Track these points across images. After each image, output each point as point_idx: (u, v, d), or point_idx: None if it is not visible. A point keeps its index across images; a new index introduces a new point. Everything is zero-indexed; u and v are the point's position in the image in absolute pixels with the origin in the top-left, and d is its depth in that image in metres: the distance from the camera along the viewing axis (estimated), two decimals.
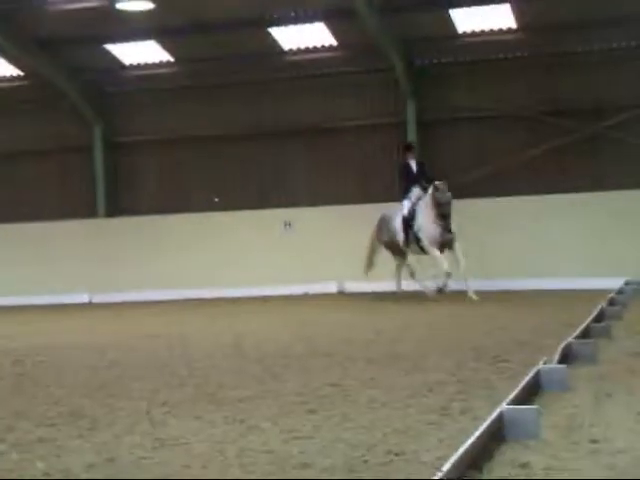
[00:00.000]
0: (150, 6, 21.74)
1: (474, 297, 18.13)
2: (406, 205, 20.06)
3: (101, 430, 6.61)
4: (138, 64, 26.69)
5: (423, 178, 19.95)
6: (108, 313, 20.92)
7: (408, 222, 19.51)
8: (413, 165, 20.13)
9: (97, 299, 25.35)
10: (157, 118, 27.34)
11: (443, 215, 18.58)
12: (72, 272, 25.70)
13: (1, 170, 28.38)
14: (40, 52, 25.75)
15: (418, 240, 19.44)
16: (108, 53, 26.17)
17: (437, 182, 18.76)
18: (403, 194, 20.49)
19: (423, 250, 19.54)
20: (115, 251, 25.80)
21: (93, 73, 27.13)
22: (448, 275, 18.42)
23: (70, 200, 27.75)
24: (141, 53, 26.23)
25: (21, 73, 27.22)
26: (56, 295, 25.13)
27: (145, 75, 26.97)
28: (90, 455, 5.77)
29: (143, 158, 27.65)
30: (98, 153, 27.60)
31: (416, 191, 19.88)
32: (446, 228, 18.73)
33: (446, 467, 4.57)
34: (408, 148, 20.87)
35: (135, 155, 27.74)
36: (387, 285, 22.40)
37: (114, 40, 25.44)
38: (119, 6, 21.84)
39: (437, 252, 18.97)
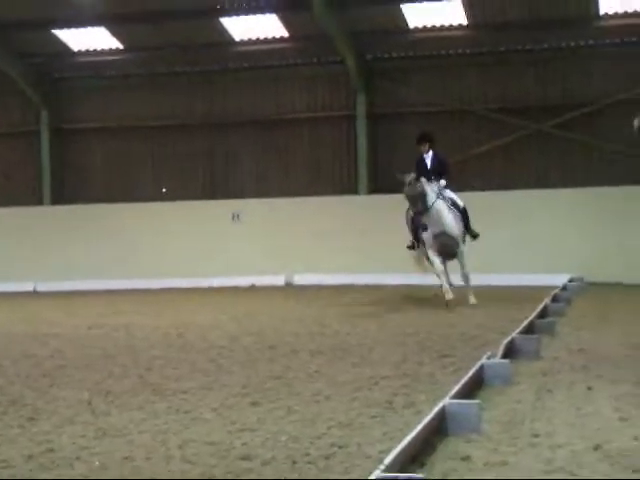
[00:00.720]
0: None
1: (472, 301, 16.21)
2: None
3: (42, 420, 6.60)
4: (87, 50, 26.49)
5: (437, 174, 16.99)
6: (53, 302, 20.75)
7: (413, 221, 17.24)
8: (428, 159, 17.21)
9: (42, 287, 25.12)
10: (105, 106, 27.18)
11: (414, 211, 16.44)
12: (16, 260, 25.45)
13: None
14: None
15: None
16: (57, 38, 25.96)
17: (406, 175, 16.53)
18: None
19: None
20: (61, 239, 25.56)
21: (41, 58, 26.89)
22: (441, 278, 16.33)
23: (15, 186, 27.52)
24: (90, 39, 26.04)
25: None
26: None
27: (94, 62, 26.78)
28: (30, 445, 5.76)
29: (90, 145, 27.46)
30: (45, 139, 27.37)
31: None
32: (424, 227, 16.32)
33: (388, 460, 4.61)
34: (420, 140, 17.73)
35: (82, 142, 27.54)
36: (333, 278, 22.50)
37: (63, 25, 25.22)
38: None
39: (431, 254, 16.62)
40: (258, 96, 25.96)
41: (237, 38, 25.17)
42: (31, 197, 27.32)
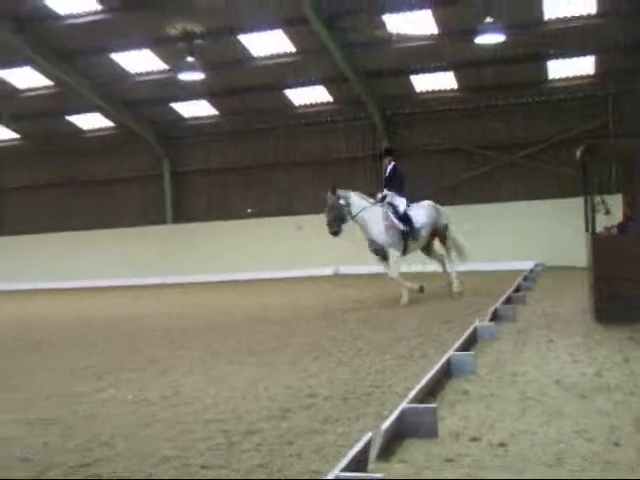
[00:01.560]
0: (202, 76, 21.75)
1: (403, 301, 12.58)
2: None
3: (170, 372, 6.63)
4: (194, 116, 26.74)
5: (392, 182, 13.66)
6: (175, 291, 20.92)
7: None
8: (387, 169, 13.92)
9: (167, 281, 25.31)
10: (206, 154, 27.40)
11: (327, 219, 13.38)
12: (148, 263, 25.76)
13: (104, 190, 28.45)
14: (126, 109, 25.81)
15: None
16: (173, 109, 26.22)
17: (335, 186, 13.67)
18: None
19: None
20: (179, 247, 25.82)
21: (163, 124, 27.16)
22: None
23: (147, 212, 27.84)
24: (195, 109, 26.30)
25: (113, 124, 27.28)
26: (138, 279, 25.17)
27: (198, 124, 26.99)
28: (164, 389, 5.80)
29: (197, 182, 27.68)
30: (167, 179, 27.64)
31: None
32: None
33: (412, 394, 4.59)
34: (385, 154, 14.87)
35: (192, 180, 27.76)
36: (368, 269, 22.49)
37: (177, 100, 25.49)
38: (180, 76, 21.84)
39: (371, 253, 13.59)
40: (312, 144, 26.00)
41: (296, 104, 25.27)
42: (158, 218, 27.59)
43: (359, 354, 7.15)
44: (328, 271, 23.88)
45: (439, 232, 13.52)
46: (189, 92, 24.26)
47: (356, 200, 13.21)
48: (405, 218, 13.08)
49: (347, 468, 3.28)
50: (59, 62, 22.43)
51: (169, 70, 22.81)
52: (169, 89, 23.98)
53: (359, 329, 9.15)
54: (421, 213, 13.30)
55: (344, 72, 21.92)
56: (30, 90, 24.77)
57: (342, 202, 13.18)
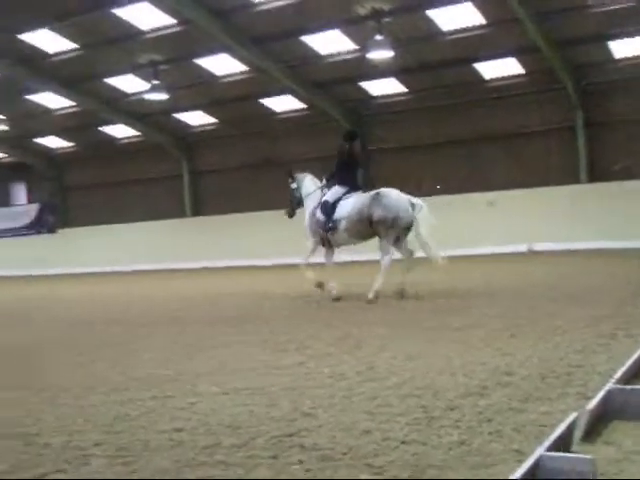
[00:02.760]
0: (391, 54, 21.77)
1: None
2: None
3: (364, 348, 6.69)
4: (383, 94, 26.83)
5: (343, 168, 12.03)
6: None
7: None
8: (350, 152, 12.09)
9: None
10: (396, 132, 27.41)
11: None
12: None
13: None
14: (318, 90, 26.32)
15: None
16: (362, 88, 26.44)
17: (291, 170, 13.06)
18: None
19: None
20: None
21: (352, 103, 27.47)
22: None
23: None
24: (384, 87, 26.38)
25: (305, 106, 27.90)
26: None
27: (387, 102, 27.07)
28: (357, 364, 5.86)
29: (387, 159, 27.77)
30: None
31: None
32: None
33: (618, 375, 4.38)
34: (350, 136, 12.35)
35: (382, 158, 27.88)
36: (560, 245, 21.75)
37: (366, 79, 25.68)
38: (369, 55, 21.98)
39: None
40: (503, 118, 25.37)
41: (487, 77, 24.71)
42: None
43: (557, 332, 6.89)
44: (521, 248, 23.26)
45: (382, 225, 11.10)
46: (378, 70, 24.37)
47: (307, 184, 12.35)
48: (330, 208, 11.57)
49: (551, 448, 3.17)
50: (253, 47, 23.24)
51: (358, 49, 23.01)
52: (358, 68, 24.23)
53: (555, 307, 8.82)
54: (349, 203, 11.49)
55: (536, 42, 21.18)
56: (227, 76, 25.87)
57: (294, 185, 12.47)
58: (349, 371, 5.58)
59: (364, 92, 26.70)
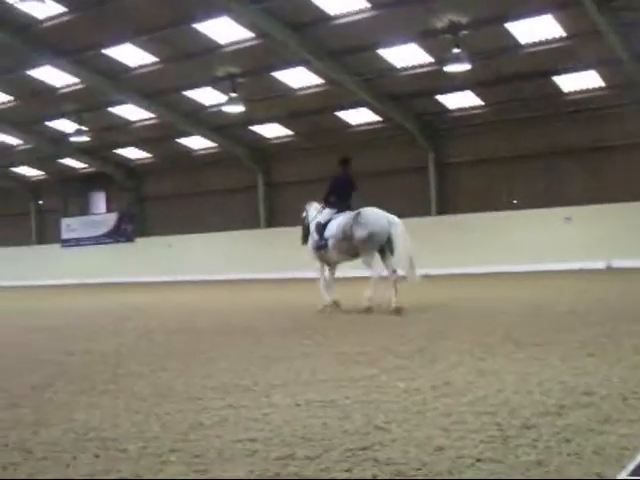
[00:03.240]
0: (468, 67, 21.60)
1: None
2: None
3: (439, 363, 6.62)
4: (459, 108, 26.65)
5: (338, 193, 12.98)
6: (441, 282, 20.92)
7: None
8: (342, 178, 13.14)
9: (430, 272, 25.43)
10: (471, 145, 27.19)
11: None
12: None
13: (369, 184, 29.28)
14: (393, 103, 26.29)
15: None
16: (438, 101, 26.30)
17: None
18: None
19: None
20: (445, 239, 25.84)
21: (428, 116, 27.35)
22: None
23: (412, 204, 28.20)
24: (461, 100, 26.18)
25: (380, 119, 27.91)
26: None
27: (463, 115, 26.87)
28: (433, 379, 5.80)
29: (462, 173, 27.58)
30: (432, 171, 27.82)
31: None
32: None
33: None
34: (344, 162, 13.30)
35: (456, 171, 27.71)
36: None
37: (442, 92, 25.53)
38: (446, 68, 21.86)
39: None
40: (579, 131, 24.90)
41: (565, 90, 24.29)
42: (422, 210, 27.83)
43: (637, 352, 6.70)
44: (600, 264, 22.73)
45: (361, 242, 11.87)
46: (454, 83, 24.21)
47: (311, 212, 13.31)
48: (322, 228, 12.56)
49: (634, 472, 3.08)
50: (330, 61, 23.37)
51: (434, 62, 22.92)
52: (434, 81, 24.12)
53: (634, 326, 8.57)
54: (336, 223, 12.36)
55: (619, 54, 20.71)
56: (303, 89, 26.08)
57: (304, 214, 13.57)
58: (424, 386, 5.52)
59: (440, 105, 26.56)
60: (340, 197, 12.81)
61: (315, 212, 13.22)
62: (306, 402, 5.09)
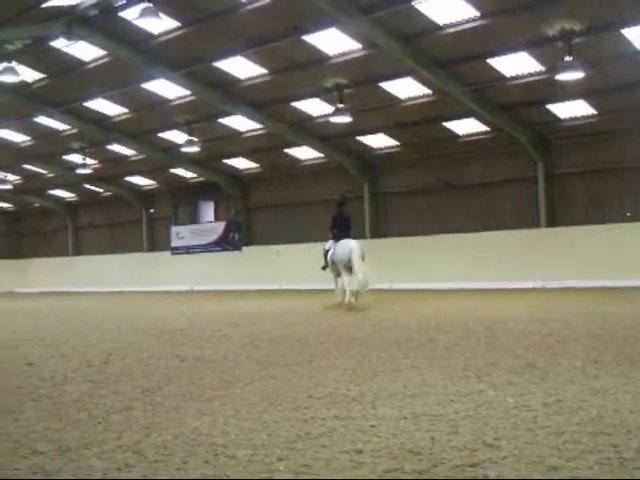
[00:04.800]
0: (581, 75, 21.02)
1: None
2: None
3: (550, 379, 6.45)
4: (570, 117, 26.01)
5: (341, 227, 18.02)
6: (552, 296, 20.43)
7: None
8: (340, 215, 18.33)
9: (544, 285, 24.86)
10: (582, 155, 26.46)
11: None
12: (523, 265, 25.45)
13: (478, 194, 28.92)
14: (502, 113, 25.89)
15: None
16: (548, 111, 25.73)
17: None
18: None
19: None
20: (553, 251, 25.17)
21: (537, 126, 26.80)
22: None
23: (521, 215, 27.67)
24: (572, 109, 25.55)
25: (488, 129, 27.54)
26: (507, 282, 25.02)
27: (574, 125, 26.20)
28: (544, 396, 5.64)
29: (573, 184, 26.87)
30: (541, 182, 27.21)
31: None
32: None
33: None
34: (341, 203, 18.71)
35: (566, 183, 27.02)
36: None
37: (553, 101, 24.96)
38: (558, 77, 21.35)
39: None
40: None
41: None
42: (531, 221, 27.27)
43: None
44: None
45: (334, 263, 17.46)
46: (566, 92, 23.63)
47: (327, 244, 18.17)
48: (326, 253, 17.92)
49: None
50: (438, 70, 23.22)
51: (545, 71, 22.46)
52: (545, 90, 23.62)
53: None
54: (331, 250, 17.60)
55: None
56: (410, 99, 26.01)
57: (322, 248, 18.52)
58: (534, 402, 5.39)
59: (550, 114, 25.97)
60: (340, 231, 17.75)
61: (329, 244, 18.13)
62: (413, 415, 5.05)
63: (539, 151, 27.10)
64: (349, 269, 16.65)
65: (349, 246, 16.83)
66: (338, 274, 17.45)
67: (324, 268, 18.20)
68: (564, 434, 4.44)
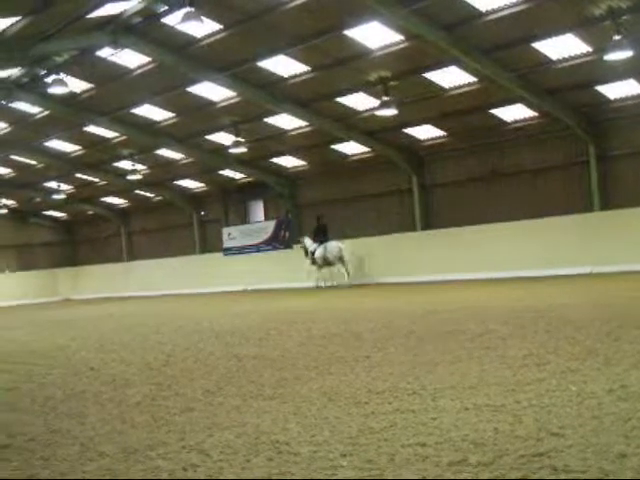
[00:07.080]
0: (630, 54, 20.54)
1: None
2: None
3: (612, 365, 6.34)
4: (620, 98, 25.49)
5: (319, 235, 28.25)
6: (605, 280, 20.02)
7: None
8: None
9: (595, 270, 24.39)
10: (634, 136, 25.91)
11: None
12: (576, 250, 24.94)
13: (526, 181, 28.56)
14: (549, 97, 25.50)
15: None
16: (597, 92, 25.25)
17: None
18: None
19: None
20: (606, 235, 24.62)
21: (586, 108, 26.32)
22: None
23: (572, 200, 27.22)
24: (621, 90, 25.03)
25: (535, 114, 27.18)
26: (559, 268, 24.55)
27: (625, 105, 25.65)
28: (609, 382, 5.53)
29: (625, 166, 26.31)
30: (592, 165, 26.73)
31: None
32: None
33: None
34: (319, 219, 29.08)
35: (619, 165, 26.48)
36: None
37: (602, 82, 24.49)
38: (606, 57, 20.90)
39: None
40: None
41: None
42: (583, 206, 26.80)
43: None
44: None
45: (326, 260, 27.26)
46: (615, 73, 23.14)
47: (307, 242, 28.45)
48: (312, 253, 27.59)
49: None
50: (482, 58, 22.96)
51: (593, 52, 22.06)
52: (593, 71, 23.18)
53: None
54: (319, 250, 27.07)
55: None
56: (455, 88, 25.79)
57: (301, 245, 29.14)
58: (598, 389, 5.30)
59: (600, 96, 25.45)
60: (318, 236, 27.84)
61: (309, 243, 28.03)
62: (475, 406, 5.01)
63: (589, 134, 26.59)
64: (340, 260, 26.88)
65: (338, 245, 26.96)
66: (321, 267, 27.40)
67: (313, 263, 27.31)
68: (631, 420, 4.37)
